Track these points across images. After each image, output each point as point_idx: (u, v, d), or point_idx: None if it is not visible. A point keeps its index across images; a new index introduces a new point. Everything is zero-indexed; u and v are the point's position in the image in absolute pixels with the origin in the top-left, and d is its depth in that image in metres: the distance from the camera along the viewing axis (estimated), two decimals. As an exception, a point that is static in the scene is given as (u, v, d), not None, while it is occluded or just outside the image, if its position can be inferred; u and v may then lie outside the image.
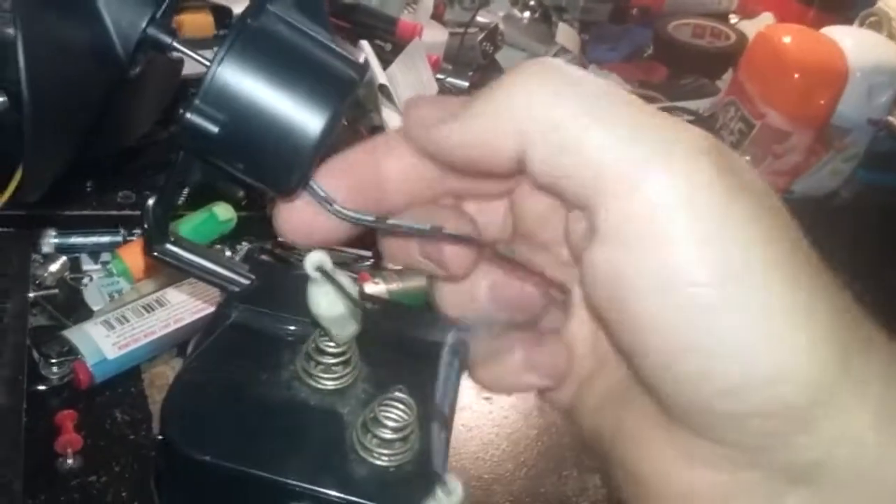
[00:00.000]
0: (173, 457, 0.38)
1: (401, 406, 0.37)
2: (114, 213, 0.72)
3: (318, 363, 0.40)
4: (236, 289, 0.43)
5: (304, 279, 0.38)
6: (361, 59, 0.36)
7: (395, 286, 0.72)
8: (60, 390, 0.60)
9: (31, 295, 0.65)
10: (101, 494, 0.55)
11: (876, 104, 0.94)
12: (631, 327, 0.25)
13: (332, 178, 0.31)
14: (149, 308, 0.65)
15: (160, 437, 0.37)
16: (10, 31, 0.62)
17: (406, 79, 0.89)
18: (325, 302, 0.36)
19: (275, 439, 0.38)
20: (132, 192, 0.74)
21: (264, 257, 0.76)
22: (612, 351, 0.29)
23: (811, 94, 0.90)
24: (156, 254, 0.42)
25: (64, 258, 0.69)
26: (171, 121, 0.69)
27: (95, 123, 0.36)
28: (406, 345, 0.42)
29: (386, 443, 0.38)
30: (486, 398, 0.71)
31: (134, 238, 0.71)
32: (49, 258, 0.68)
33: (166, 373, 0.64)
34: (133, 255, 0.69)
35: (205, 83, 0.34)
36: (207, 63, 0.34)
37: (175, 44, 0.36)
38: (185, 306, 0.65)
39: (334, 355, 0.40)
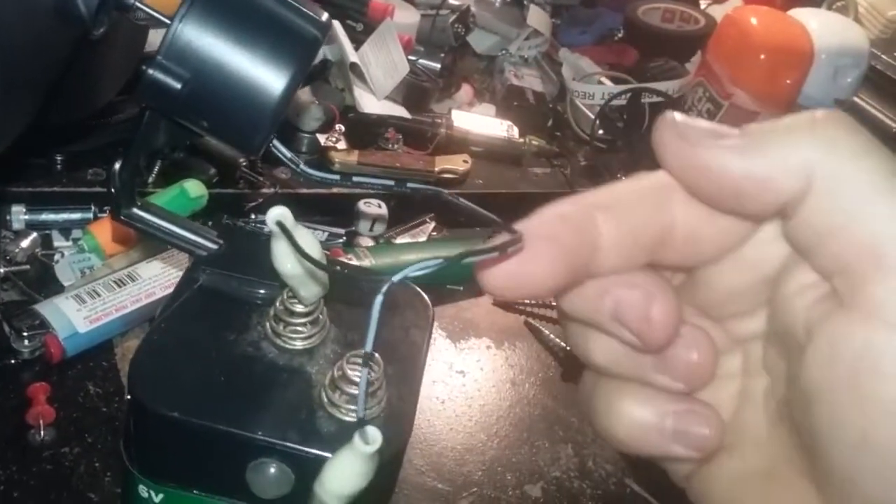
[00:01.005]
0: (142, 415, 0.39)
1: (370, 365, 0.38)
2: (84, 189, 0.72)
3: (287, 323, 0.41)
4: (204, 253, 0.44)
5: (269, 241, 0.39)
6: (324, 18, 0.37)
7: (367, 263, 0.72)
8: (32, 364, 0.60)
9: (2, 270, 0.65)
10: (73, 465, 0.55)
11: (841, 85, 0.96)
12: (852, 419, 0.23)
13: (544, 240, 0.25)
14: (120, 283, 0.65)
15: (128, 396, 0.37)
16: None
17: (377, 58, 0.89)
18: (287, 259, 0.37)
19: (243, 397, 0.39)
20: (102, 168, 0.74)
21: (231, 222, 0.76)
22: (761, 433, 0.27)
23: (777, 74, 0.91)
24: (123, 217, 0.43)
25: (35, 234, 0.68)
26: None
27: (58, 84, 0.36)
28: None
29: (353, 399, 0.38)
30: (459, 371, 0.72)
31: (104, 215, 0.71)
32: (20, 234, 0.68)
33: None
34: (104, 231, 0.69)
35: (167, 39, 0.34)
36: (169, 21, 0.34)
37: (137, 3, 0.36)
38: (156, 281, 0.65)
39: (301, 315, 0.40)
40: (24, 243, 0.67)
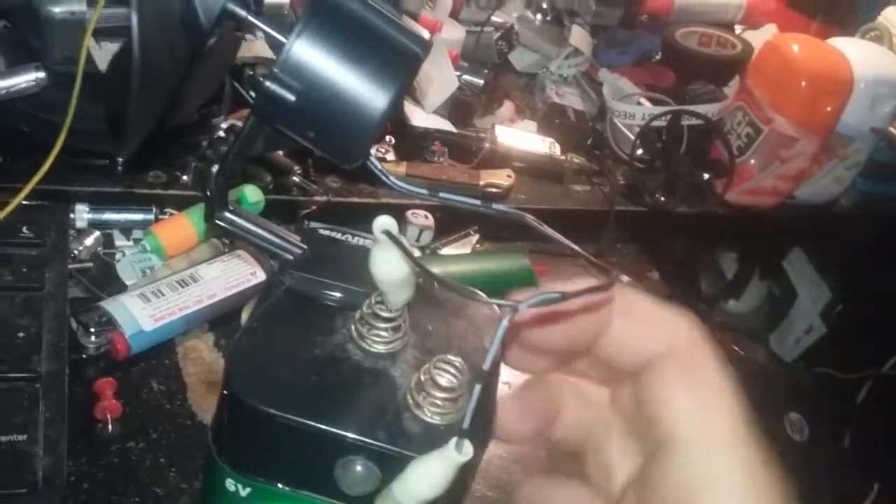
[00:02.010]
0: (237, 409, 0.40)
1: (453, 369, 0.39)
2: (145, 191, 0.74)
3: (372, 327, 0.42)
4: (289, 257, 0.45)
5: (351, 249, 0.40)
6: (426, 36, 0.39)
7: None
8: (97, 360, 0.62)
9: (69, 267, 0.67)
10: (139, 460, 0.57)
11: (879, 114, 0.97)
12: None
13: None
14: (183, 283, 0.66)
15: (225, 392, 0.38)
16: (55, 10, 0.64)
17: (427, 73, 0.91)
18: (388, 266, 0.38)
19: (332, 396, 0.40)
20: (163, 171, 0.76)
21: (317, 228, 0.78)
22: None
23: (818, 102, 0.93)
24: (217, 221, 0.44)
25: (97, 233, 0.70)
26: (206, 104, 0.71)
27: (177, 90, 0.38)
28: (454, 316, 0.44)
29: (438, 402, 0.40)
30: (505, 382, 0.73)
31: (166, 216, 0.73)
32: (83, 233, 0.70)
33: (199, 346, 0.66)
34: (166, 233, 0.70)
35: (284, 54, 0.36)
36: (282, 38, 0.36)
37: (250, 17, 0.38)
38: (217, 283, 0.67)
39: (387, 320, 0.42)
40: (88, 241, 0.69)
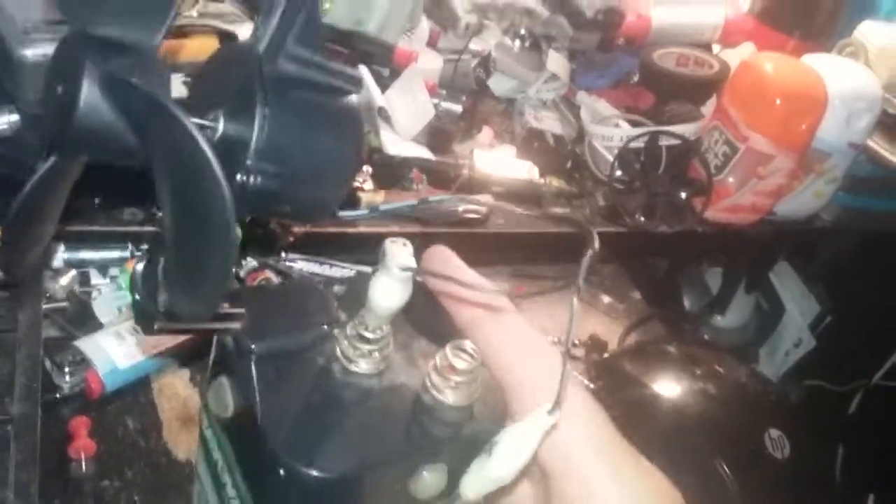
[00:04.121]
0: (297, 483, 0.38)
1: (465, 354, 0.39)
2: (121, 229, 0.74)
3: (360, 350, 0.41)
4: (236, 326, 0.44)
5: (288, 288, 0.40)
6: (356, 74, 0.39)
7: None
8: (72, 399, 0.62)
9: (43, 308, 0.67)
10: (113, 500, 0.57)
11: (855, 129, 0.98)
12: None
13: None
14: (158, 320, 0.66)
15: (280, 469, 0.36)
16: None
17: (403, 102, 0.92)
18: (401, 296, 0.38)
19: (378, 430, 0.39)
20: (139, 209, 0.76)
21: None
22: None
23: (792, 119, 0.93)
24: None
25: (74, 272, 0.70)
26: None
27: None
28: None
29: (456, 383, 0.40)
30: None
31: (142, 254, 0.73)
32: (59, 272, 0.70)
33: (174, 383, 0.66)
34: (141, 270, 0.70)
35: (254, 143, 0.35)
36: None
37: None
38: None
39: (375, 340, 0.41)
40: (64, 281, 0.69)
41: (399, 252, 0.36)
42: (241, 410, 0.38)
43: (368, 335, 0.40)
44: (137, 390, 0.64)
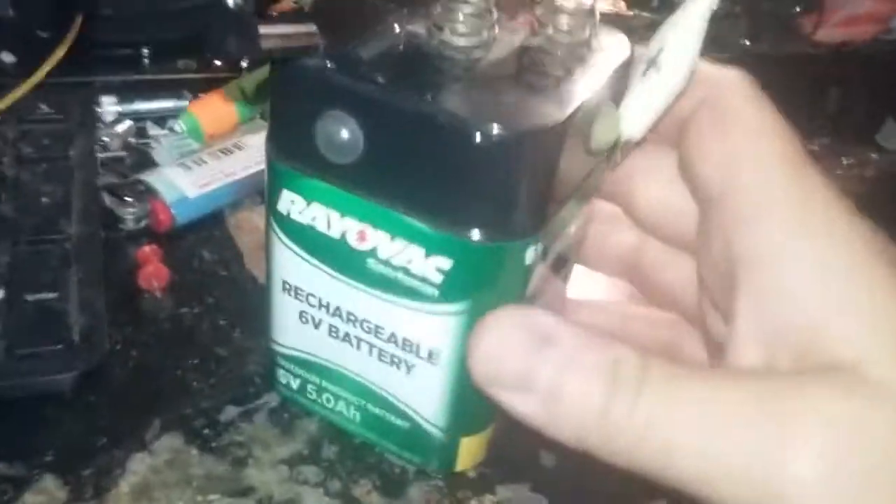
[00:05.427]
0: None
1: None
2: (175, 76, 0.66)
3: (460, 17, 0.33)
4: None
5: None
6: None
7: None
8: (138, 236, 0.54)
9: (98, 156, 0.60)
10: (194, 325, 0.48)
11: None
12: None
13: None
14: (227, 151, 0.59)
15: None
16: None
17: None
18: None
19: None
20: (192, 60, 0.68)
21: None
22: None
23: None
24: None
25: (129, 122, 0.63)
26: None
27: None
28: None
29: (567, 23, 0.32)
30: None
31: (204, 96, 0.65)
32: (114, 122, 0.63)
33: (252, 217, 0.57)
34: (204, 111, 0.63)
35: None
36: None
37: None
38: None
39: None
40: (119, 128, 0.62)
41: None
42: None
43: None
44: (211, 226, 0.56)
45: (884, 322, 0.23)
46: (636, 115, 0.31)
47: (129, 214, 0.53)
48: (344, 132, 0.31)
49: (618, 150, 0.32)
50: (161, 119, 0.65)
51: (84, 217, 0.50)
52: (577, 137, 0.30)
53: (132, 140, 0.63)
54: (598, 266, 0.40)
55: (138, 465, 0.40)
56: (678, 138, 0.32)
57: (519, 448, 0.42)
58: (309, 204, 0.33)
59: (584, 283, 0.42)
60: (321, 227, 0.34)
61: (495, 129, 0.27)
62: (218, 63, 0.64)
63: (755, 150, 0.27)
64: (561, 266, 0.38)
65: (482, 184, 0.29)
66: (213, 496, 0.39)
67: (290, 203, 0.34)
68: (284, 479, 0.41)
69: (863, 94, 0.97)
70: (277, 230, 0.35)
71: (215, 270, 0.53)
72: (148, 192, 0.54)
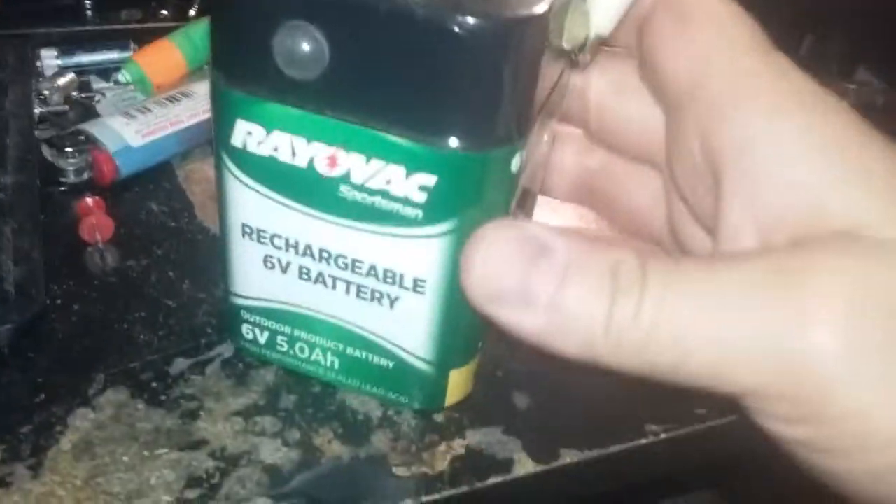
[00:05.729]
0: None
1: None
2: (119, 26, 0.63)
3: None
4: None
5: None
6: None
7: None
8: (80, 189, 0.50)
9: (38, 110, 0.56)
10: (142, 277, 0.45)
11: None
12: None
13: None
14: (173, 99, 0.55)
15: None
16: None
17: None
18: None
19: None
20: (137, 10, 0.65)
21: None
22: None
23: None
24: None
25: (72, 74, 0.59)
26: None
27: None
28: None
29: None
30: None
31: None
32: (55, 76, 0.59)
33: (203, 168, 0.54)
34: (149, 60, 0.59)
35: None
36: None
37: None
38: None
39: None
40: (61, 81, 0.58)
41: None
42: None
43: None
44: (160, 178, 0.53)
45: (879, 187, 0.21)
46: (603, 10, 0.29)
47: (70, 166, 0.50)
48: (305, 43, 0.28)
49: (587, 47, 0.29)
50: (105, 72, 0.62)
51: (19, 167, 0.46)
52: (553, 32, 0.27)
53: (75, 94, 0.59)
54: (560, 193, 0.38)
55: (80, 422, 0.37)
56: (637, 41, 0.30)
57: (490, 388, 0.40)
58: (269, 133, 0.30)
59: (545, 217, 0.40)
60: (285, 157, 0.30)
61: (477, 18, 0.25)
62: (164, 12, 0.60)
63: (722, 39, 0.26)
64: (524, 200, 0.35)
65: (465, 83, 0.26)
66: (161, 450, 0.37)
67: (247, 134, 0.31)
68: (239, 430, 0.38)
69: (836, 40, 0.95)
70: (232, 167, 0.32)
71: (164, 222, 0.50)
72: (89, 143, 0.51)
